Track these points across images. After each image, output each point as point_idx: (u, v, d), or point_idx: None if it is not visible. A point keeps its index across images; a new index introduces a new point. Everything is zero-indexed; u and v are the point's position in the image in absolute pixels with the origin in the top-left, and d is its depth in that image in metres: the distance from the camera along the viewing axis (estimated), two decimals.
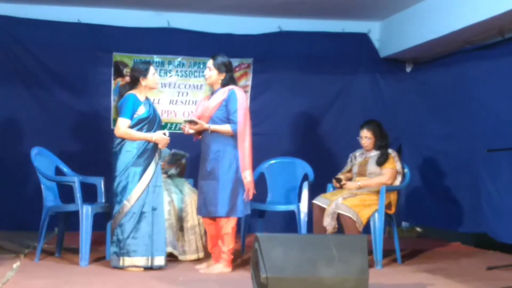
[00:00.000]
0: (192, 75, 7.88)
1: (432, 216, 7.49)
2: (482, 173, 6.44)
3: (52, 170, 6.10)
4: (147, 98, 5.62)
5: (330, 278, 4.11)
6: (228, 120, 5.48)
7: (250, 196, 5.52)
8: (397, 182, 6.05)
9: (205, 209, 5.53)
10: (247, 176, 5.47)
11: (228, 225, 5.47)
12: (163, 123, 6.35)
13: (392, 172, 6.03)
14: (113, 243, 5.48)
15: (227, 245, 5.47)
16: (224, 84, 5.57)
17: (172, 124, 7.72)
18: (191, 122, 5.49)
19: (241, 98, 5.52)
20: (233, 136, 5.48)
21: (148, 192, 5.47)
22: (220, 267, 5.48)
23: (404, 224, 8.23)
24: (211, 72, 5.55)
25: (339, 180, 6.12)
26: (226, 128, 5.48)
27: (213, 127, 5.47)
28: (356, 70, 8.06)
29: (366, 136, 6.15)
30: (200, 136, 5.63)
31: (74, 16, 7.59)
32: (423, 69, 7.88)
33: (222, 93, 5.53)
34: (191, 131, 5.56)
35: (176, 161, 6.30)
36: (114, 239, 5.47)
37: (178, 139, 6.41)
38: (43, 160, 6.01)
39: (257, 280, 4.18)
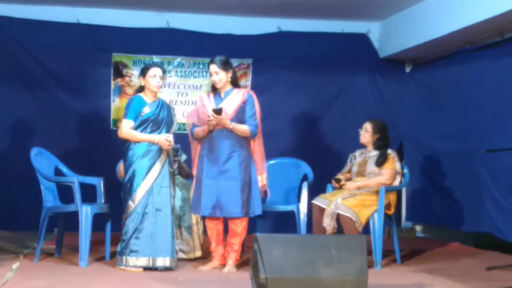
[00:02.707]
0: (192, 75, 7.88)
1: (435, 215, 7.48)
2: (482, 173, 6.44)
3: (52, 170, 6.09)
4: (157, 99, 5.61)
5: (330, 279, 4.11)
6: (244, 122, 5.51)
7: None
8: (397, 182, 6.04)
9: (219, 210, 5.49)
10: (264, 179, 5.61)
11: (244, 225, 5.55)
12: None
13: (391, 172, 6.03)
14: (119, 243, 5.49)
15: (239, 244, 5.55)
16: (234, 82, 5.59)
17: None
18: (217, 111, 5.34)
19: (257, 102, 5.58)
20: (248, 138, 5.53)
21: (152, 193, 5.46)
22: (233, 266, 5.53)
23: (405, 223, 8.24)
24: (220, 75, 5.49)
25: (338, 181, 6.11)
26: (245, 128, 5.49)
27: (234, 125, 5.45)
28: (355, 70, 8.06)
29: (365, 127, 6.16)
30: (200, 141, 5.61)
31: (74, 17, 7.59)
32: (422, 69, 7.88)
33: (241, 95, 5.54)
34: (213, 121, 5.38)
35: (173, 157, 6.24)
36: (120, 239, 5.49)
37: (178, 140, 6.39)
38: (43, 161, 6.01)
39: (256, 281, 4.18)
